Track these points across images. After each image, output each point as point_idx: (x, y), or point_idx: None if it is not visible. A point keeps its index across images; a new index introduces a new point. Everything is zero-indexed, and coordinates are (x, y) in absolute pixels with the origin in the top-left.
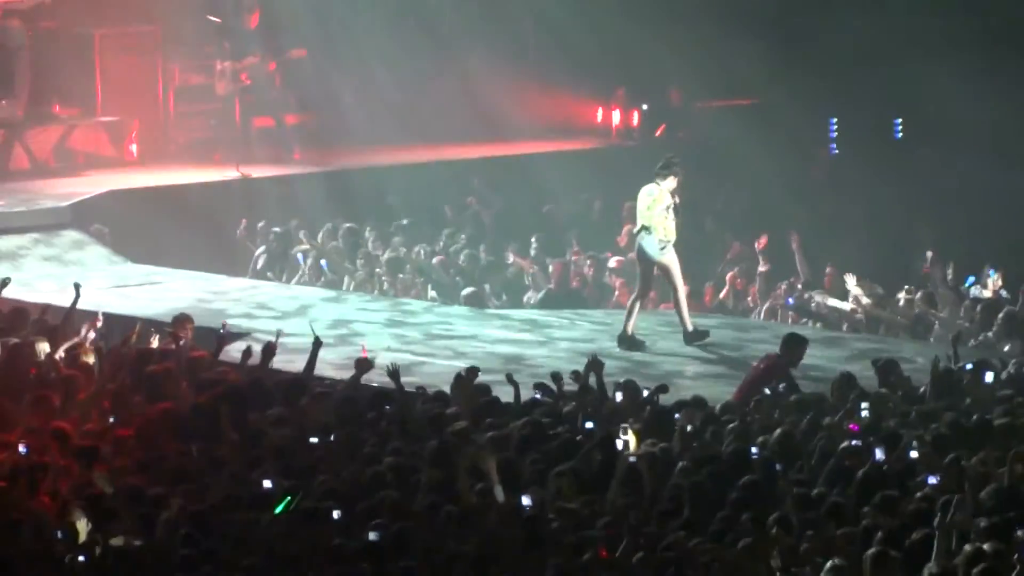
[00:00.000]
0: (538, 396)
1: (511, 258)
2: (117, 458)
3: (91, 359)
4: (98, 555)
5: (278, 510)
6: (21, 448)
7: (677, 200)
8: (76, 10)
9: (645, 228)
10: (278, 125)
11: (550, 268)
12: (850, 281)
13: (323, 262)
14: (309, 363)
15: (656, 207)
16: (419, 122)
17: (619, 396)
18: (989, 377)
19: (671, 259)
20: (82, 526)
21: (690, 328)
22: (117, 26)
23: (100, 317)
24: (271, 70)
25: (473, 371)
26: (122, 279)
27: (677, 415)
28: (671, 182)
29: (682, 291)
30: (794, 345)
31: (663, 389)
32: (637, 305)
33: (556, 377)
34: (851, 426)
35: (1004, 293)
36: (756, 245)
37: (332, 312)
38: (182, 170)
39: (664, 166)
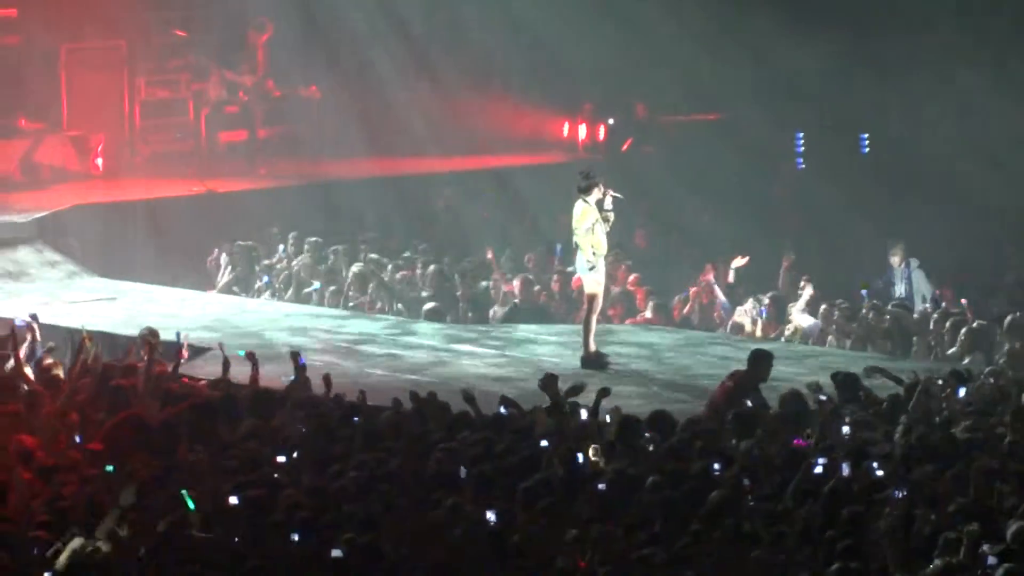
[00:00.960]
0: (503, 411)
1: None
2: (85, 470)
3: (60, 373)
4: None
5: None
6: None
7: (609, 208)
8: (42, 24)
9: (577, 246)
10: (250, 138)
11: (515, 283)
12: (807, 288)
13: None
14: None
15: (581, 225)
16: (388, 135)
17: (583, 413)
18: (961, 392)
19: (595, 279)
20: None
21: (591, 350)
22: (83, 40)
23: (34, 327)
24: (276, 96)
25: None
26: (84, 293)
27: (647, 433)
28: (596, 194)
29: (595, 313)
30: (760, 361)
31: (577, 390)
32: (592, 320)
33: (494, 401)
34: (796, 440)
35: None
36: (731, 267)
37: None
38: (148, 184)
39: (584, 179)
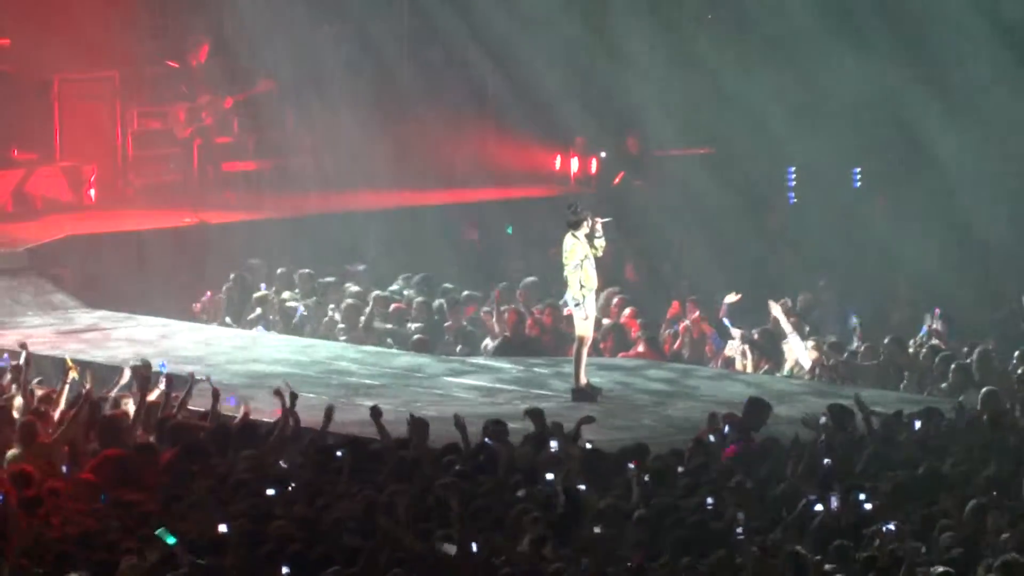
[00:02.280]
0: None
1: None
2: (74, 503)
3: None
4: None
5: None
6: None
7: (600, 235)
8: (35, 55)
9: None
10: (214, 167)
11: (505, 316)
12: (774, 307)
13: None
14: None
15: (571, 261)
16: (378, 168)
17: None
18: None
19: (581, 314)
20: None
21: (582, 382)
22: (76, 71)
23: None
24: (227, 107)
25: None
26: (72, 324)
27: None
28: (585, 228)
29: (585, 347)
30: (757, 410)
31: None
32: (583, 353)
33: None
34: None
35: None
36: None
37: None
38: (141, 215)
39: (573, 213)
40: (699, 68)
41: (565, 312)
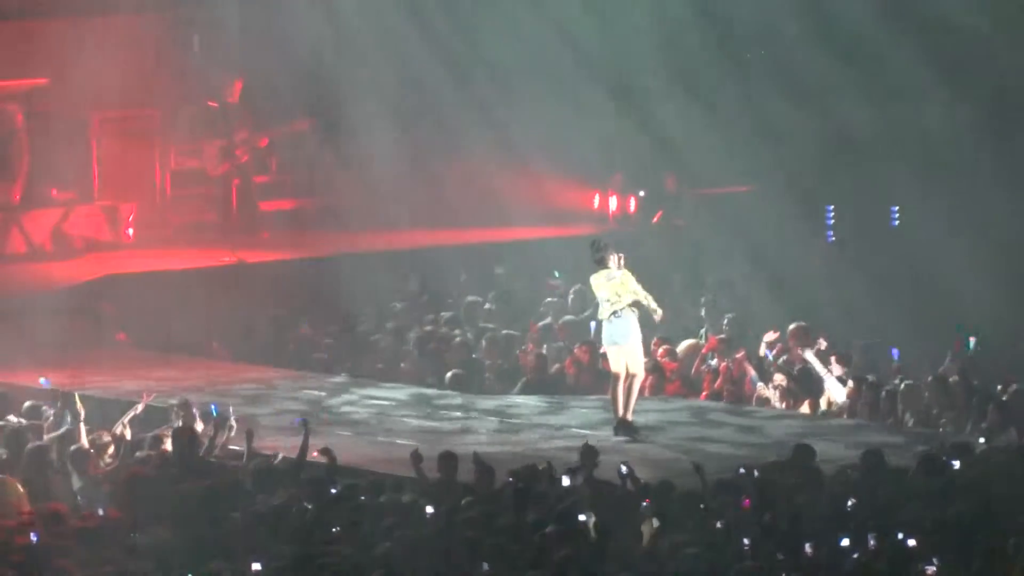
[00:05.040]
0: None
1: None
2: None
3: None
4: None
5: None
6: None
7: (620, 275)
8: (73, 94)
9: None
10: (251, 205)
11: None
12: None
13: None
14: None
15: (599, 294)
16: (417, 206)
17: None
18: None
19: (613, 351)
20: None
21: (622, 417)
22: (114, 110)
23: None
24: (262, 145)
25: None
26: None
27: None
28: (612, 263)
29: (620, 382)
30: (802, 455)
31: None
32: (619, 388)
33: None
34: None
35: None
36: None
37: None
38: (180, 254)
39: (596, 251)
40: (738, 106)
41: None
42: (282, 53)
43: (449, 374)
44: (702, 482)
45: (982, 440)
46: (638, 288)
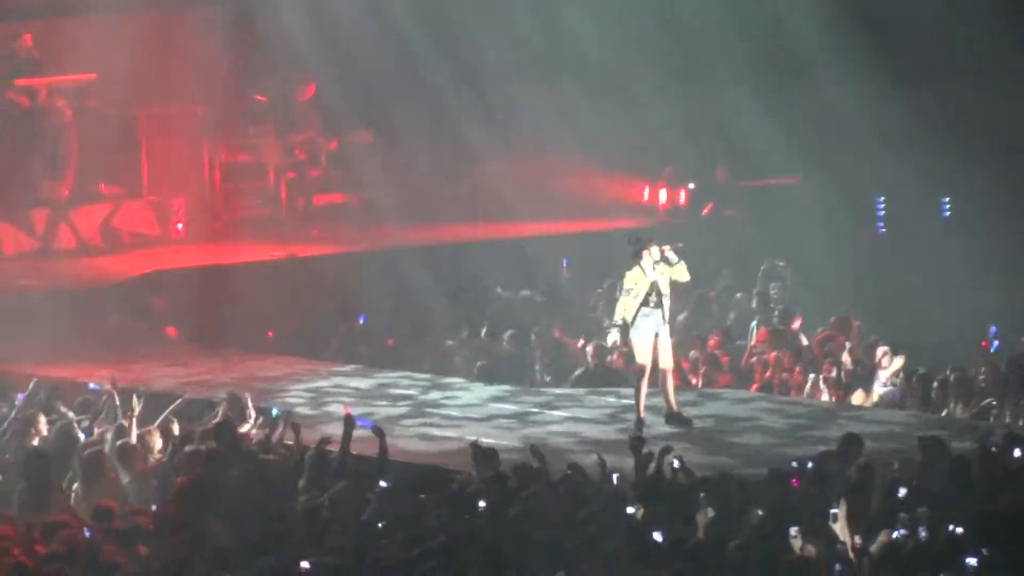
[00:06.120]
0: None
1: (556, 334)
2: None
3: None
4: None
5: None
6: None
7: (678, 266)
8: (121, 90)
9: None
10: (306, 202)
11: (590, 348)
12: (890, 359)
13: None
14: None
15: (623, 287)
16: (464, 201)
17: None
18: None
19: (636, 342)
20: None
21: (675, 409)
22: (162, 105)
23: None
24: (331, 148)
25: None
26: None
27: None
28: (648, 257)
29: (644, 376)
30: (852, 444)
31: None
32: (668, 381)
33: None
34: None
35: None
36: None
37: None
38: (230, 249)
39: (633, 244)
40: (788, 97)
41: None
42: (347, 59)
43: (479, 364)
44: (635, 462)
45: None
46: (675, 270)
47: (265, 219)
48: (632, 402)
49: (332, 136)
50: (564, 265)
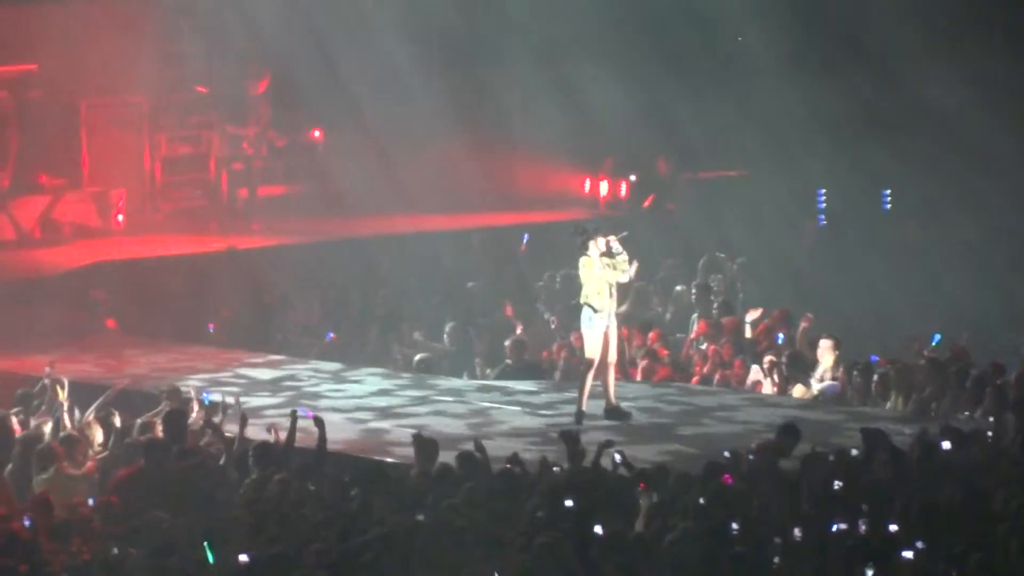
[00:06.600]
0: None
1: (508, 312)
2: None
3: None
4: None
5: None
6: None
7: (619, 252)
8: (63, 80)
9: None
10: (249, 195)
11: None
12: (828, 353)
13: None
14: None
15: (586, 281)
16: (405, 194)
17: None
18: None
19: (590, 334)
20: None
21: (614, 402)
22: (104, 96)
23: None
24: (279, 145)
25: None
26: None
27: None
28: (594, 247)
29: (591, 369)
30: (790, 435)
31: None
32: (610, 375)
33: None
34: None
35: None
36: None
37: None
38: (170, 240)
39: (578, 235)
40: (729, 90)
41: (573, 337)
42: (303, 53)
43: (418, 357)
44: (569, 453)
45: (977, 424)
46: (616, 262)
47: (205, 210)
48: (575, 395)
49: (283, 130)
50: (524, 240)
